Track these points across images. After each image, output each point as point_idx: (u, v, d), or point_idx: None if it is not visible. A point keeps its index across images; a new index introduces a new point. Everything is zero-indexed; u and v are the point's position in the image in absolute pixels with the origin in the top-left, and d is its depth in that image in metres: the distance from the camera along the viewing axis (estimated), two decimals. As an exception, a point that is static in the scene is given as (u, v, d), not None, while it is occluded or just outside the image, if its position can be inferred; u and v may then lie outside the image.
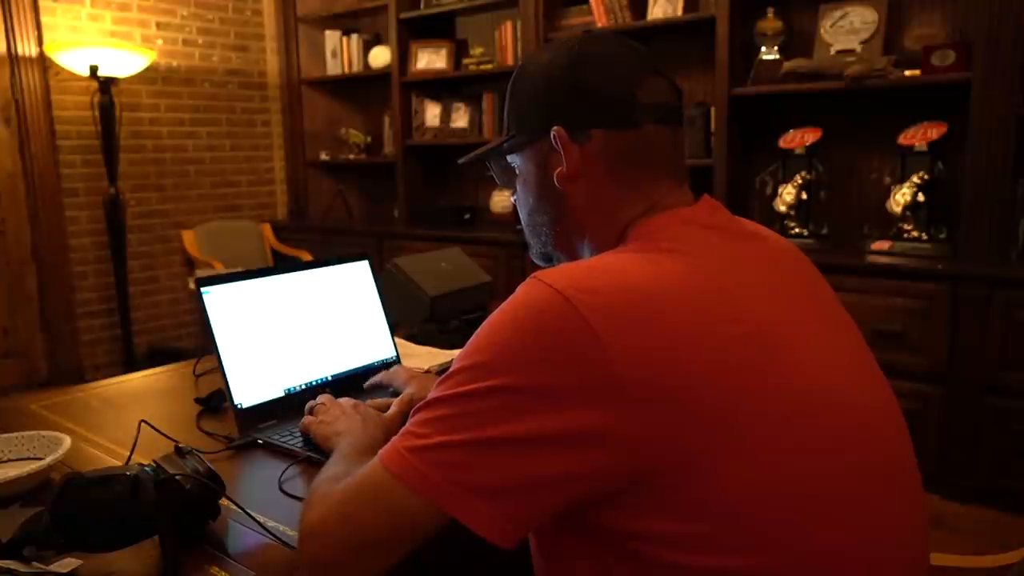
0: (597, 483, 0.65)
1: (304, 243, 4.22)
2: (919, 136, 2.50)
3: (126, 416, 1.23)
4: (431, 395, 0.70)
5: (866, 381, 0.76)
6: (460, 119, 3.81)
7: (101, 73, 3.35)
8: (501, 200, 3.82)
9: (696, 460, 0.63)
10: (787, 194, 2.71)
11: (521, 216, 0.91)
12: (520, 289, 0.71)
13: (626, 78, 0.80)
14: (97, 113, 3.44)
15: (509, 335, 0.67)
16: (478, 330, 0.71)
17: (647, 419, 0.62)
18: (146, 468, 0.79)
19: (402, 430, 0.71)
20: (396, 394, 1.17)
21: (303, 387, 1.23)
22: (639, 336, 0.64)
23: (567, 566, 0.73)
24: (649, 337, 0.64)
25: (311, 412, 1.08)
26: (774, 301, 0.74)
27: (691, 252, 0.73)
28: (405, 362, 1.42)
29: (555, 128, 0.80)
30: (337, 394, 1.24)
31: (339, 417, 1.02)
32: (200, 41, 4.05)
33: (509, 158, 0.89)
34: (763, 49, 2.81)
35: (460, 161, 1.03)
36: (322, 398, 1.10)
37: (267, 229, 4.35)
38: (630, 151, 0.80)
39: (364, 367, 1.33)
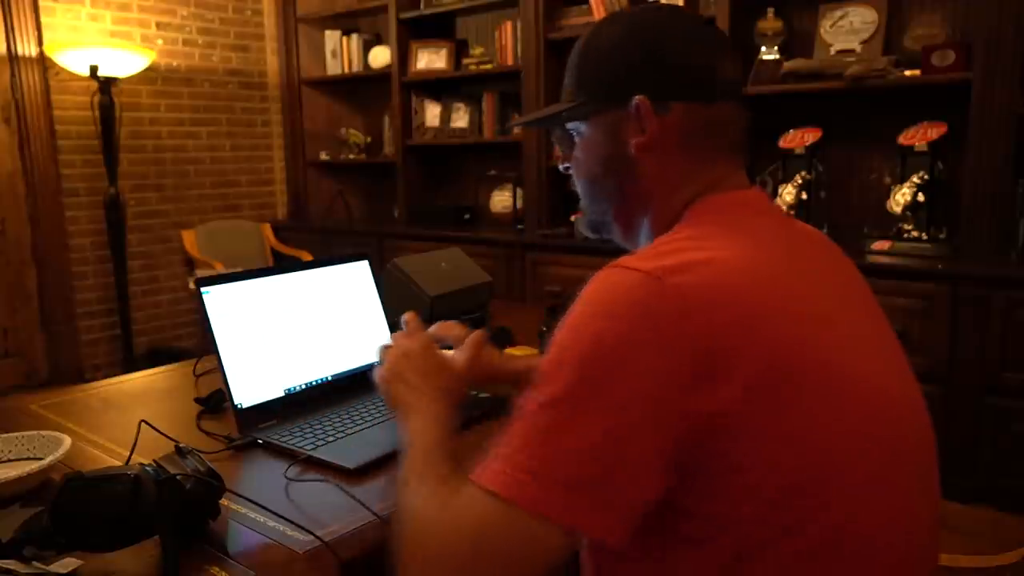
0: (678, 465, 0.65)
1: (304, 243, 4.22)
2: (919, 136, 2.50)
3: (126, 416, 1.23)
4: (533, 404, 0.66)
5: (902, 375, 0.78)
6: (460, 119, 3.81)
7: (101, 73, 3.35)
8: (501, 200, 3.82)
9: (762, 436, 0.64)
10: (787, 194, 2.71)
11: (579, 183, 0.89)
12: (602, 279, 0.69)
13: (707, 53, 0.81)
14: (97, 113, 3.44)
15: (609, 324, 0.65)
16: (568, 325, 0.68)
17: (734, 394, 0.63)
18: (146, 468, 0.79)
19: (506, 449, 0.66)
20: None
21: (303, 387, 1.23)
22: (731, 311, 0.65)
23: (618, 556, 0.73)
24: (740, 313, 0.65)
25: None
26: (827, 291, 0.77)
27: (754, 235, 0.75)
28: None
29: (638, 98, 0.79)
30: (337, 395, 1.24)
31: (401, 376, 0.94)
32: (200, 41, 4.05)
33: (572, 124, 0.87)
34: (763, 49, 2.81)
35: (516, 123, 1.06)
36: (393, 341, 1.00)
37: (267, 229, 4.35)
38: (705, 126, 0.80)
39: (364, 367, 1.33)
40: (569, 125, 0.88)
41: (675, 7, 0.89)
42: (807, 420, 0.66)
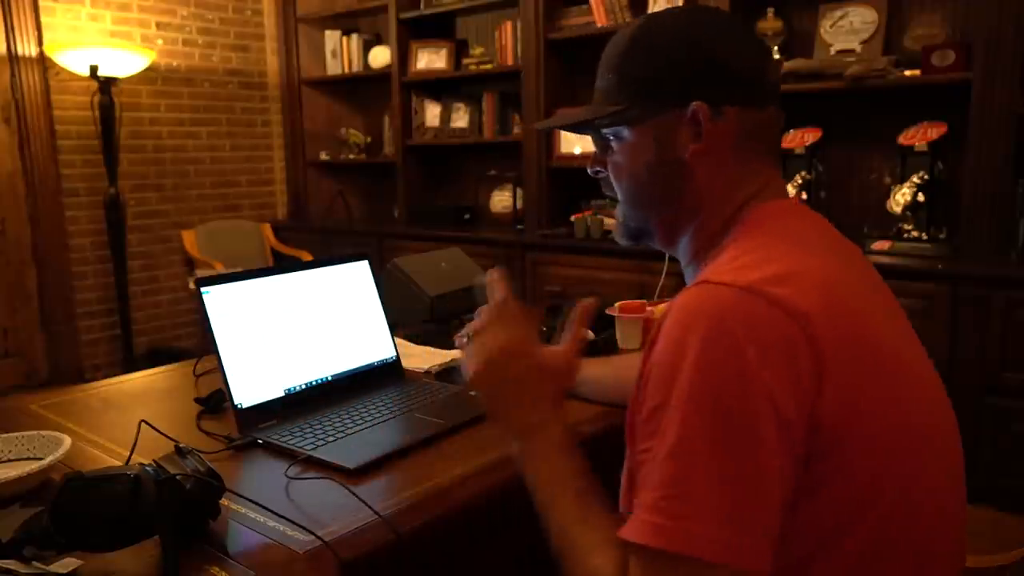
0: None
1: (304, 243, 4.22)
2: (919, 136, 2.50)
3: (126, 416, 1.23)
4: (663, 445, 0.63)
5: (935, 376, 0.80)
6: (460, 119, 3.81)
7: (101, 73, 3.35)
8: (501, 200, 3.82)
9: (858, 438, 0.65)
10: (787, 194, 2.71)
11: (620, 188, 0.85)
12: (700, 298, 0.67)
13: (756, 56, 0.80)
14: (97, 113, 3.44)
15: (723, 347, 0.63)
16: (673, 350, 0.65)
17: (836, 401, 0.64)
18: (146, 468, 0.79)
19: (649, 501, 0.63)
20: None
21: (303, 387, 1.23)
22: (827, 321, 0.65)
23: None
24: (833, 321, 0.66)
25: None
26: (876, 296, 0.79)
27: (813, 244, 0.76)
28: (405, 362, 1.42)
29: (696, 104, 0.77)
30: (337, 395, 1.24)
31: (503, 382, 0.82)
32: (200, 41, 4.05)
33: (613, 129, 0.83)
34: (763, 49, 2.81)
35: (548, 126, 0.95)
36: (477, 324, 0.85)
37: (267, 229, 4.35)
38: (755, 131, 0.80)
39: (364, 367, 1.33)
40: (608, 129, 0.84)
41: (717, 8, 0.88)
42: (889, 421, 0.68)
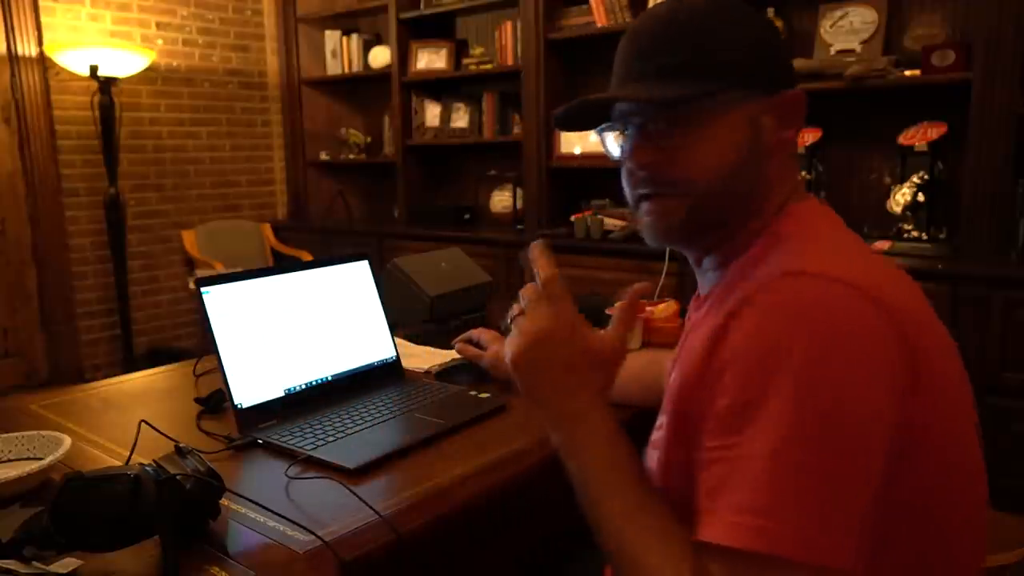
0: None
1: (304, 243, 4.22)
2: (919, 136, 2.50)
3: (126, 416, 1.23)
4: (757, 441, 0.60)
5: None
6: (460, 119, 3.81)
7: (101, 73, 3.35)
8: (501, 200, 3.82)
9: (937, 438, 0.65)
10: (787, 194, 2.71)
11: (699, 177, 0.74)
12: (794, 290, 0.63)
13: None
14: (97, 113, 3.44)
15: (825, 345, 0.60)
16: (764, 346, 0.61)
17: (923, 401, 0.63)
18: (146, 468, 0.79)
19: (745, 502, 0.60)
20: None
21: (303, 387, 1.23)
22: (912, 318, 0.64)
23: None
24: (914, 318, 0.65)
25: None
26: None
27: (861, 242, 0.75)
28: (405, 362, 1.42)
29: (795, 90, 0.74)
30: (337, 395, 1.24)
31: (547, 368, 0.75)
32: (200, 41, 4.05)
33: (696, 111, 0.73)
34: (763, 49, 2.81)
35: (612, 97, 0.77)
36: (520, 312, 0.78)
37: (267, 229, 4.35)
38: (802, 122, 0.78)
39: (364, 367, 1.33)
40: (681, 109, 0.73)
41: None
42: (958, 422, 0.68)
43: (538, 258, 0.80)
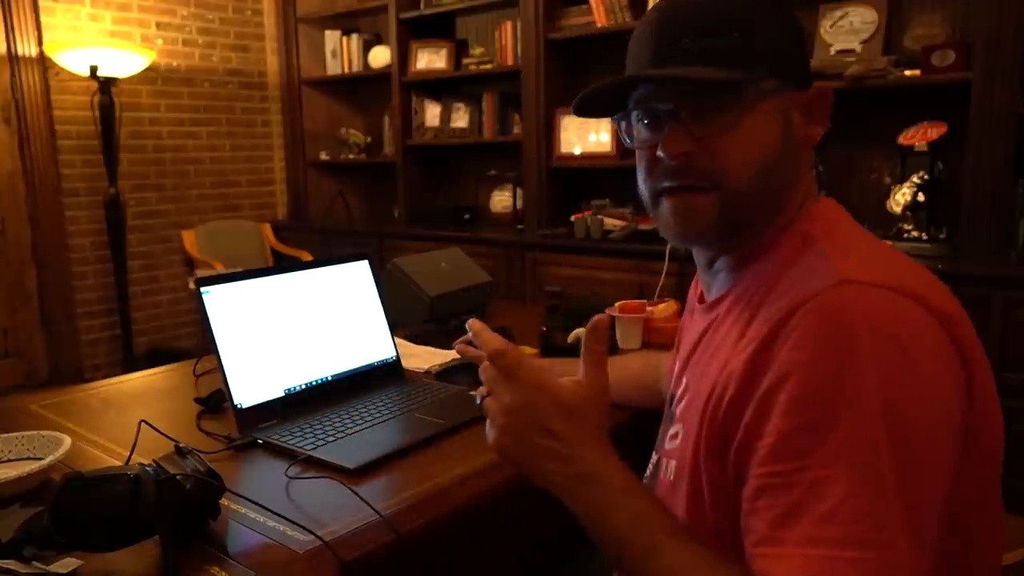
0: None
1: (304, 243, 4.22)
2: (919, 136, 2.50)
3: (126, 416, 1.23)
4: (832, 470, 0.56)
5: None
6: (460, 119, 3.81)
7: (101, 73, 3.35)
8: (501, 200, 3.82)
9: (983, 440, 0.64)
10: (787, 194, 2.71)
11: (740, 169, 0.70)
12: (846, 300, 0.60)
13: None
14: (97, 113, 3.44)
15: (890, 359, 0.57)
16: (823, 362, 0.58)
17: (975, 406, 0.62)
18: (146, 468, 0.79)
19: (827, 533, 0.55)
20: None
21: (303, 387, 1.23)
22: (960, 322, 0.63)
23: None
24: (961, 322, 0.64)
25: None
26: None
27: (885, 244, 0.74)
28: (405, 362, 1.42)
29: (826, 84, 0.73)
30: (337, 395, 1.24)
31: (535, 444, 0.69)
32: (200, 41, 4.05)
33: (740, 99, 0.69)
34: (763, 49, 2.81)
35: (665, 75, 0.71)
36: (490, 374, 0.72)
37: (267, 229, 4.35)
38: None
39: (364, 367, 1.33)
40: (725, 96, 0.69)
41: None
42: (998, 425, 0.67)
43: (479, 334, 0.73)
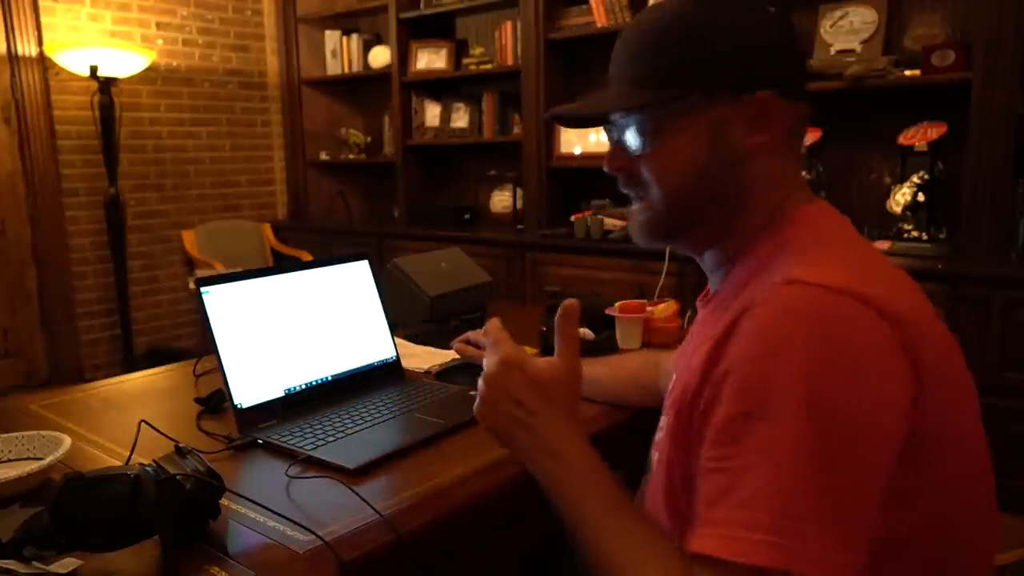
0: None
1: (304, 243, 4.22)
2: (919, 136, 2.50)
3: (126, 416, 1.23)
4: (757, 458, 0.59)
5: None
6: (460, 119, 3.81)
7: (101, 73, 3.35)
8: (501, 200, 3.82)
9: (943, 444, 0.64)
10: (787, 194, 2.71)
11: (661, 186, 0.76)
12: (791, 300, 0.62)
13: (800, 47, 0.77)
14: (97, 113, 3.44)
15: (822, 355, 0.59)
16: (761, 356, 0.61)
17: (928, 408, 0.62)
18: (146, 468, 0.79)
19: (745, 518, 0.59)
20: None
21: (303, 387, 1.23)
22: (917, 325, 0.63)
23: None
24: (921, 326, 0.64)
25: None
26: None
27: (868, 248, 0.75)
28: (405, 362, 1.42)
29: (766, 92, 0.71)
30: (337, 395, 1.24)
31: (513, 417, 0.76)
32: (200, 41, 4.05)
33: (655, 120, 0.74)
34: (763, 49, 2.81)
35: (565, 112, 0.82)
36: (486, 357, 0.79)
37: (267, 229, 4.35)
38: (797, 125, 0.76)
39: (364, 367, 1.33)
40: (652, 121, 0.75)
41: None
42: (967, 429, 0.68)
43: (492, 330, 0.81)
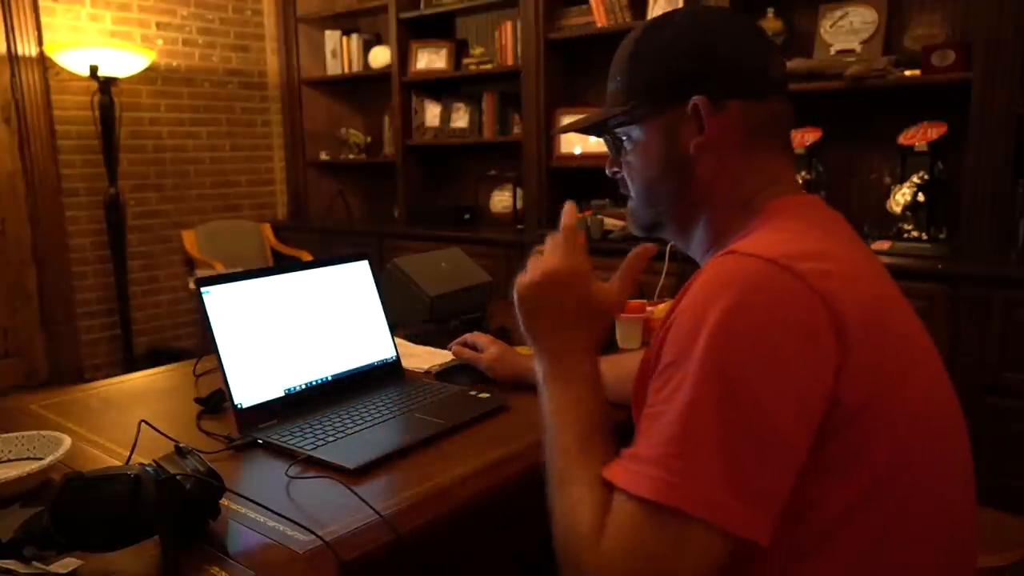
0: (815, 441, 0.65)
1: (304, 243, 4.22)
2: (919, 136, 2.50)
3: (126, 416, 1.23)
4: (674, 401, 0.65)
5: (945, 374, 0.81)
6: (460, 119, 3.81)
7: (101, 73, 3.35)
8: (501, 200, 3.82)
9: (881, 418, 0.67)
10: (787, 194, 2.71)
11: (633, 186, 0.90)
12: (724, 267, 0.69)
13: (758, 51, 0.83)
14: (97, 113, 3.44)
15: (737, 317, 0.64)
16: (690, 315, 0.67)
17: (861, 379, 0.65)
18: (146, 468, 0.79)
19: (653, 449, 0.65)
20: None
21: (303, 387, 1.23)
22: (856, 299, 0.67)
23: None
24: (861, 301, 0.68)
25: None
26: (893, 286, 0.80)
27: (837, 234, 0.79)
28: (405, 362, 1.42)
29: (696, 98, 0.79)
30: (337, 395, 1.24)
31: (549, 309, 0.85)
32: (200, 41, 4.05)
33: (623, 129, 0.87)
34: (763, 49, 2.81)
35: (562, 130, 0.99)
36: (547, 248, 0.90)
37: (267, 229, 4.35)
38: (760, 124, 0.82)
39: (364, 367, 1.33)
40: (620, 130, 0.88)
41: (721, 8, 0.93)
42: (906, 406, 0.69)
43: (566, 210, 0.92)
